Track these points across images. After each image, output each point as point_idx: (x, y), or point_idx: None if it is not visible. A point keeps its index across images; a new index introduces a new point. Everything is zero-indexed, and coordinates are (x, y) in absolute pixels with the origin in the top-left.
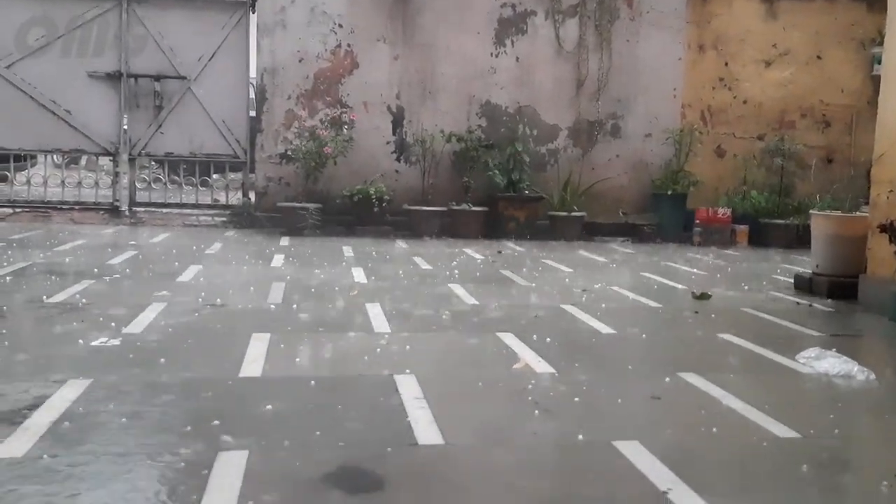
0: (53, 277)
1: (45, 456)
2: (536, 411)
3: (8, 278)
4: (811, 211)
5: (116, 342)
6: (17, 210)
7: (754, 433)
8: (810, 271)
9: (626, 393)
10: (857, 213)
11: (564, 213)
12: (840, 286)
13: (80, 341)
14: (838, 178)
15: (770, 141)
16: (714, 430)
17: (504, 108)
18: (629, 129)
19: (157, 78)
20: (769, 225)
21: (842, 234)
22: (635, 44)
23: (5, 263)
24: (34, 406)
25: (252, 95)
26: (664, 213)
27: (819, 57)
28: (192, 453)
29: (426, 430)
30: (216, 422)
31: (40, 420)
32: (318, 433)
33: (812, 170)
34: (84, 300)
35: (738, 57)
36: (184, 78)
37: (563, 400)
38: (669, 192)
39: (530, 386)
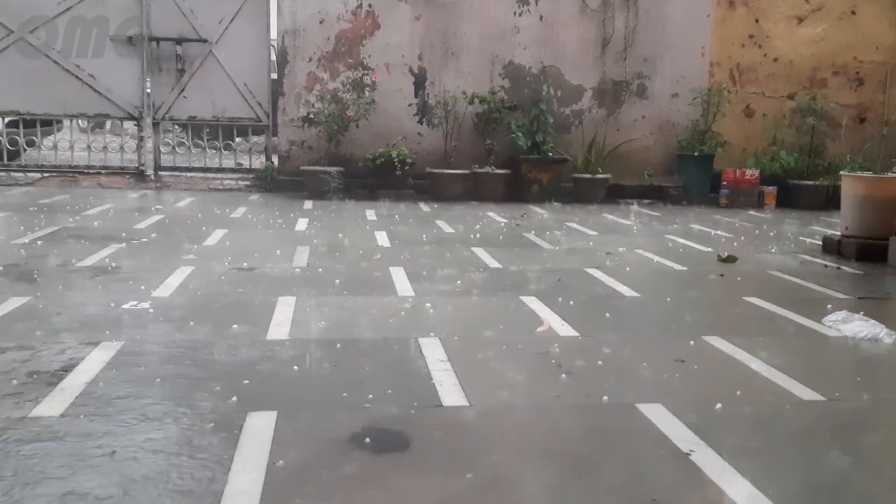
0: (82, 241)
1: (81, 415)
2: (560, 374)
3: (39, 242)
4: (841, 172)
5: (146, 305)
6: (45, 175)
7: (779, 396)
8: (839, 233)
9: (650, 356)
10: (889, 173)
11: (589, 176)
12: (869, 248)
13: (111, 304)
14: (870, 138)
15: (801, 100)
16: (738, 392)
17: (527, 69)
18: (656, 88)
19: (179, 41)
20: (798, 186)
21: (872, 196)
22: (663, 0)
23: (36, 228)
24: (69, 367)
25: (273, 58)
26: (691, 175)
27: (853, 12)
28: (222, 414)
29: (450, 392)
30: (245, 382)
31: (76, 381)
32: (344, 394)
33: (843, 129)
34: (113, 264)
35: (770, 13)
36: (205, 41)
37: (586, 363)
38: (696, 154)
39: (554, 349)
